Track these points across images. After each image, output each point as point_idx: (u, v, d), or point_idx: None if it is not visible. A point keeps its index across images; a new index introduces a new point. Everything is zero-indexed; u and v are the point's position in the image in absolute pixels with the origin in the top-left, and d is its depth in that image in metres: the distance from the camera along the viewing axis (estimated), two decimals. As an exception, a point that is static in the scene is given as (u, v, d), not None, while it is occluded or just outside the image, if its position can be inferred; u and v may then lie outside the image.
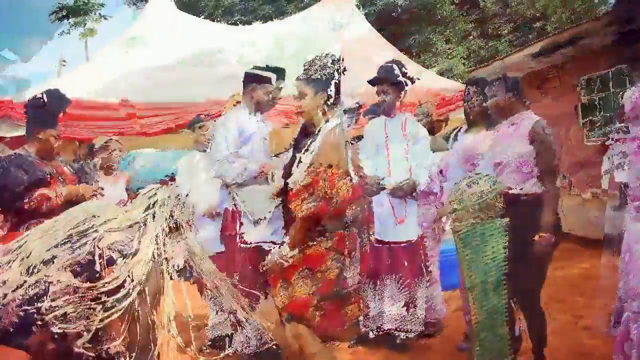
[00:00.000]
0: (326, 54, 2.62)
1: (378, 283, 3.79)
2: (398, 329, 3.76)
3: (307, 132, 2.68)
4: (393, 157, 3.80)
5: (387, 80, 3.74)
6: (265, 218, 3.41)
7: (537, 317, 2.87)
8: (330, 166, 2.44)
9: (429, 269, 4.02)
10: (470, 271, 2.56)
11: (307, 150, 2.56)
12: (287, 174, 2.64)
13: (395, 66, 3.90)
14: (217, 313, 3.89)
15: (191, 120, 4.22)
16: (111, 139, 4.57)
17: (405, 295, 3.73)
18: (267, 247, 3.34)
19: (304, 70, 2.62)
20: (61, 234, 1.94)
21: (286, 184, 2.58)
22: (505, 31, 17.11)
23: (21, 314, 1.79)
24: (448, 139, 3.96)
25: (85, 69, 7.26)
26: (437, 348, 3.88)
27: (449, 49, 16.61)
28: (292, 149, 2.75)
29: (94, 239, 1.92)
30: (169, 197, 2.13)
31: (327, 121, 2.59)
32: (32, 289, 1.80)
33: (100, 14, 22.60)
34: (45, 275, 1.81)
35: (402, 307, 3.74)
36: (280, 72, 3.64)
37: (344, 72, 2.63)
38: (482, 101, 3.48)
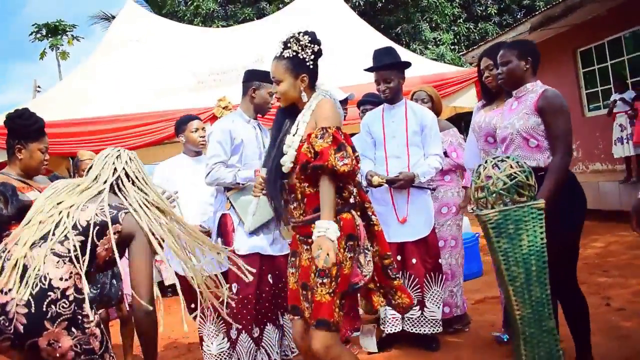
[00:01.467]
0: (304, 32, 2.36)
1: None
2: (413, 332, 3.51)
3: (290, 112, 2.45)
4: (391, 154, 3.52)
5: (391, 65, 3.46)
6: (262, 227, 3.16)
7: (578, 302, 2.60)
8: (338, 127, 2.26)
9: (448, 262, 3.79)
10: (508, 263, 2.26)
11: (297, 127, 2.35)
12: (269, 158, 2.44)
13: (393, 49, 3.68)
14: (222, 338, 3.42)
15: (178, 121, 3.82)
16: (87, 155, 4.30)
17: (417, 295, 3.45)
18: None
19: (282, 49, 2.35)
20: (38, 232, 1.90)
21: (279, 166, 2.34)
22: (493, 12, 16.94)
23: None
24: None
25: (60, 87, 6.96)
26: (468, 343, 3.65)
27: (437, 35, 16.40)
28: (273, 132, 2.52)
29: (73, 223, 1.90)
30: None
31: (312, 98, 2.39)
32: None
33: (72, 35, 22.36)
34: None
35: (415, 307, 3.45)
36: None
37: (321, 54, 2.40)
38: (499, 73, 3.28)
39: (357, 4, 15.23)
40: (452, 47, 16.49)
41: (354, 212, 2.32)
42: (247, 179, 3.15)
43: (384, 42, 7.77)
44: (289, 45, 2.33)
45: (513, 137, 2.74)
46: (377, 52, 3.57)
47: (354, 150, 2.25)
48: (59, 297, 1.77)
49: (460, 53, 13.93)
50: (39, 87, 19.07)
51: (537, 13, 9.41)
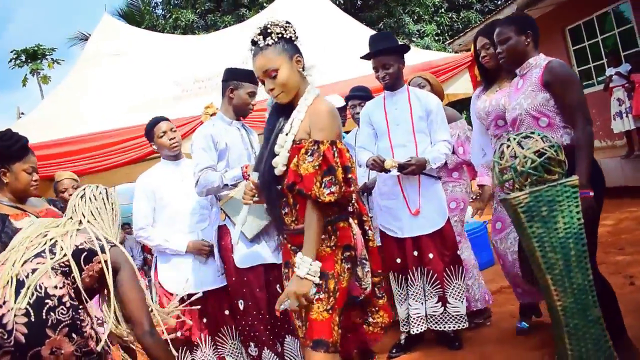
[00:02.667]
0: (277, 21, 2.12)
1: (409, 279, 3.27)
2: (435, 330, 3.28)
3: (284, 110, 2.20)
4: (397, 142, 3.28)
5: (388, 49, 3.22)
6: (262, 234, 2.95)
7: (600, 285, 2.37)
8: (334, 142, 2.00)
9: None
10: (544, 249, 2.02)
11: (290, 125, 2.11)
12: (261, 161, 2.20)
13: (390, 33, 3.47)
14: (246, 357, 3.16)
15: (145, 128, 3.41)
16: (64, 175, 4.06)
17: (438, 291, 3.22)
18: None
19: (263, 38, 2.08)
20: (29, 252, 1.91)
21: (272, 168, 2.09)
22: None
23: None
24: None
25: (40, 109, 6.67)
26: (491, 337, 3.43)
27: (421, 27, 16.25)
28: (266, 132, 2.25)
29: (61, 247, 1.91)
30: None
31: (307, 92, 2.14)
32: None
33: (52, 58, 22.03)
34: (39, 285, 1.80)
35: (436, 303, 3.23)
36: (255, 76, 3.10)
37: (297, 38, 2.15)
38: (496, 50, 3.08)
39: (337, 2, 15.05)
40: (437, 37, 16.36)
41: (351, 221, 2.13)
42: (235, 179, 2.93)
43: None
44: (269, 31, 2.08)
45: (522, 117, 2.56)
46: (373, 38, 3.35)
47: (346, 171, 2.00)
48: (57, 304, 1.78)
49: (447, 42, 13.76)
50: (22, 113, 18.68)
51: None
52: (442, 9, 17.16)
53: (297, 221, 2.10)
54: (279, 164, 2.07)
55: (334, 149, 1.98)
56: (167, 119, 3.39)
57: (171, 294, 3.05)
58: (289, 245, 2.19)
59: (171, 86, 6.51)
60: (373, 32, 7.95)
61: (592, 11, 9.01)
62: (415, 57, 6.71)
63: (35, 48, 21.59)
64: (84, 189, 2.18)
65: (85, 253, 1.91)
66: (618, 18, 8.80)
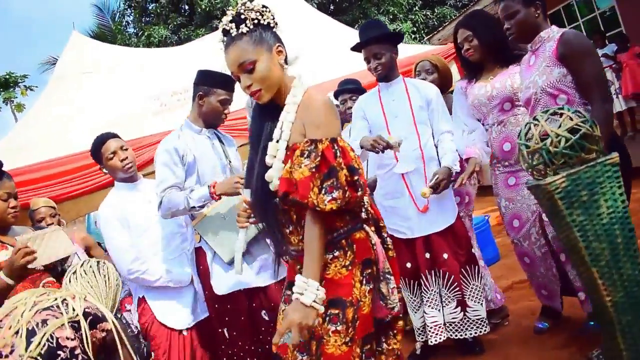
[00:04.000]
0: (251, 6, 1.76)
1: (422, 284, 3.00)
2: (456, 338, 3.00)
3: (268, 112, 1.84)
4: (397, 135, 2.99)
5: (379, 38, 2.97)
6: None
7: None
8: (334, 140, 1.66)
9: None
10: (587, 239, 1.77)
11: (281, 130, 1.75)
12: (251, 176, 1.84)
13: (380, 21, 3.23)
14: None
15: (90, 149, 2.97)
16: (40, 202, 3.74)
17: (456, 294, 2.95)
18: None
19: (236, 25, 1.73)
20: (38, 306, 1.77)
21: (265, 183, 1.76)
22: (448, -5, 16.85)
23: None
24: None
25: (11, 136, 6.34)
26: (513, 338, 3.19)
27: (396, 26, 16.14)
28: (252, 141, 1.90)
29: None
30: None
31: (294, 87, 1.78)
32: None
33: (25, 85, 21.55)
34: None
35: (455, 308, 2.96)
36: (230, 82, 2.71)
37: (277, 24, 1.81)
38: (480, 41, 2.92)
39: (312, 4, 14.89)
40: (413, 35, 16.28)
41: (367, 229, 1.78)
42: (202, 199, 2.55)
43: (352, 34, 7.38)
44: (242, 17, 1.72)
45: (538, 96, 2.34)
46: (362, 27, 3.09)
47: (352, 173, 1.66)
48: (69, 356, 1.68)
49: (425, 39, 13.65)
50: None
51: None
52: (416, 7, 17.10)
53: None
54: (273, 178, 1.72)
55: (335, 148, 1.64)
56: (115, 136, 2.95)
57: (171, 329, 2.76)
58: (297, 267, 1.83)
59: (149, 101, 6.23)
60: (354, 30, 7.82)
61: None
62: (400, 53, 6.51)
63: (7, 76, 21.08)
64: (75, 267, 2.08)
65: (91, 317, 1.80)
66: (602, 3, 8.72)
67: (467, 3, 16.15)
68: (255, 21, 1.73)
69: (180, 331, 2.78)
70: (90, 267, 2.07)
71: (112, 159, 2.85)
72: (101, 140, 2.90)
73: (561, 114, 1.82)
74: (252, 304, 2.61)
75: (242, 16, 1.72)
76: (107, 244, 2.83)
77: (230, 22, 1.73)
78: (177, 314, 2.79)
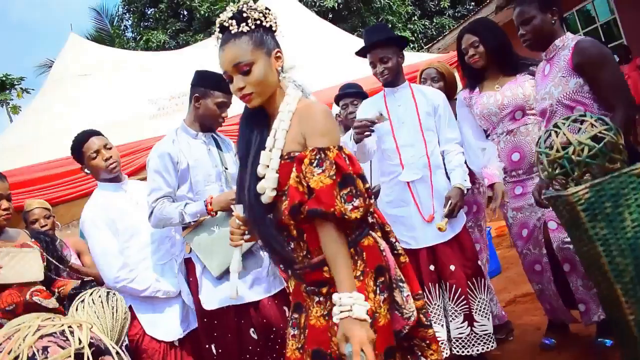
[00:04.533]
0: (254, 5, 1.65)
1: (426, 297, 2.88)
2: (464, 355, 2.87)
3: (258, 120, 1.74)
4: (404, 142, 2.92)
5: (385, 41, 2.88)
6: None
7: None
8: (340, 147, 1.56)
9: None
10: (610, 253, 1.68)
11: (274, 138, 1.63)
12: (243, 189, 1.70)
13: (385, 25, 3.16)
14: None
15: (71, 146, 2.79)
16: (35, 204, 3.62)
17: (464, 308, 2.84)
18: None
19: (237, 23, 1.61)
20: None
21: (257, 195, 1.65)
22: (447, 5, 16.84)
23: None
24: None
25: (5, 137, 6.23)
26: (520, 354, 3.10)
27: (395, 36, 16.15)
28: (240, 151, 1.77)
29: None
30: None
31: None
32: None
33: (22, 88, 21.40)
34: None
35: (462, 322, 2.84)
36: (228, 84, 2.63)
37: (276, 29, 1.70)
38: (485, 47, 2.86)
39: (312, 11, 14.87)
40: (412, 45, 16.28)
41: (374, 235, 1.66)
42: (197, 215, 2.44)
43: (352, 40, 7.33)
44: (244, 15, 1.62)
45: (554, 108, 2.27)
46: (368, 31, 3.01)
47: (364, 181, 1.57)
48: None
49: (424, 48, 13.65)
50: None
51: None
52: (415, 17, 17.11)
53: (311, 254, 1.64)
54: (266, 189, 1.62)
55: (344, 155, 1.55)
56: (98, 133, 2.77)
57: (160, 342, 2.63)
58: (303, 286, 1.70)
59: (146, 105, 6.12)
60: (355, 37, 7.77)
61: (572, 5, 8.90)
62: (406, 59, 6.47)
63: (3, 78, 20.91)
64: (85, 294, 2.01)
65: (94, 348, 1.75)
66: (600, 11, 8.70)
67: (465, 14, 16.21)
68: (258, 22, 1.63)
69: (172, 343, 2.65)
70: (99, 296, 1.99)
71: (95, 159, 2.68)
72: (82, 138, 2.72)
73: (582, 121, 1.74)
74: (240, 321, 2.46)
75: (244, 14, 1.62)
76: (92, 249, 2.66)
77: (231, 18, 1.62)
78: (166, 325, 2.65)
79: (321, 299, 1.63)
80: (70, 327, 1.72)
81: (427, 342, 1.73)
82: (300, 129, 1.61)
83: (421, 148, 2.91)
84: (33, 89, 21.76)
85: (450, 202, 2.79)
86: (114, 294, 2.03)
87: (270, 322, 2.46)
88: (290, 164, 1.58)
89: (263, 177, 1.63)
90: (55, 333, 1.65)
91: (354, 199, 1.49)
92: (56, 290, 2.82)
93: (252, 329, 2.46)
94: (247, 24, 1.61)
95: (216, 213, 2.44)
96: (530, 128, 2.81)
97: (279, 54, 1.67)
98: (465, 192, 2.89)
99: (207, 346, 2.49)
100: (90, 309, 1.93)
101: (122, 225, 2.66)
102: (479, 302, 2.86)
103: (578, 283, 2.69)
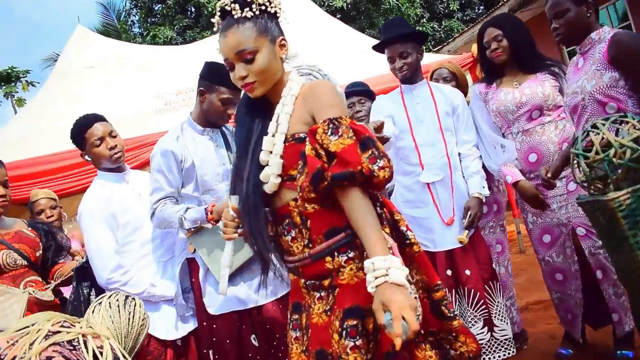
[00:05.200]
0: None
1: None
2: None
3: (259, 108, 1.65)
4: (423, 141, 2.80)
5: (406, 36, 2.77)
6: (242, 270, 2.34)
7: None
8: (352, 119, 1.47)
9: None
10: (651, 261, 1.59)
11: (276, 123, 1.56)
12: (241, 179, 1.60)
13: (404, 20, 3.05)
14: None
15: (71, 131, 2.59)
16: (41, 194, 3.53)
17: (484, 314, 2.72)
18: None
19: (240, 8, 1.52)
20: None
21: (258, 185, 1.55)
22: (456, 8, 16.74)
23: None
24: None
25: (10, 128, 6.14)
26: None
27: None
28: (239, 139, 1.67)
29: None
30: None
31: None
32: None
33: (27, 80, 21.33)
34: None
35: (482, 328, 2.72)
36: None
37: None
38: (509, 42, 2.76)
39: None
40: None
41: (383, 232, 1.51)
42: (197, 221, 2.31)
43: (365, 39, 7.23)
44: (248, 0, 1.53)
45: (585, 103, 2.15)
46: (387, 25, 2.92)
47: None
48: None
49: (434, 50, 13.56)
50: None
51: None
52: (424, 19, 17.01)
53: (313, 243, 1.51)
54: (269, 176, 1.52)
55: (358, 124, 1.46)
56: (102, 119, 2.58)
57: (161, 340, 2.49)
58: (302, 281, 1.59)
59: (152, 99, 6.04)
60: (366, 36, 7.66)
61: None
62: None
63: (9, 70, 20.81)
64: (103, 297, 1.90)
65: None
66: (613, 18, 8.58)
67: (475, 17, 16.12)
68: (263, 7, 1.55)
69: (174, 342, 2.52)
70: (117, 300, 1.87)
71: (99, 146, 2.51)
72: (86, 123, 2.53)
73: (622, 122, 1.63)
74: (242, 327, 2.34)
75: None
76: (87, 245, 2.49)
77: (234, 2, 1.53)
78: (167, 322, 2.51)
79: (322, 293, 1.53)
80: (84, 336, 1.59)
81: (454, 334, 1.59)
82: (307, 108, 1.52)
83: (441, 148, 2.80)
84: (38, 82, 21.70)
85: (470, 213, 2.70)
86: (132, 298, 1.90)
87: (273, 327, 2.35)
88: (295, 145, 1.50)
89: (266, 165, 1.54)
90: (61, 343, 1.52)
91: (378, 160, 1.38)
92: (53, 279, 2.72)
93: (253, 335, 2.35)
94: (251, 9, 1.52)
95: (217, 222, 2.30)
96: (547, 127, 2.72)
97: (283, 42, 1.60)
98: (484, 199, 2.79)
99: (205, 351, 2.39)
100: (106, 313, 1.82)
101: (124, 219, 2.51)
102: (497, 306, 2.77)
103: (610, 291, 2.59)
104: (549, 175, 2.45)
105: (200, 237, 2.38)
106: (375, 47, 2.94)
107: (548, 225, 2.77)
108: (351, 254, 1.48)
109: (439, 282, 1.64)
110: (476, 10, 17.70)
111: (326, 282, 1.51)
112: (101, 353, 1.56)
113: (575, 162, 1.73)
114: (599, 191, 1.66)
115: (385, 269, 1.31)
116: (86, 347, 1.53)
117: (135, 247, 2.53)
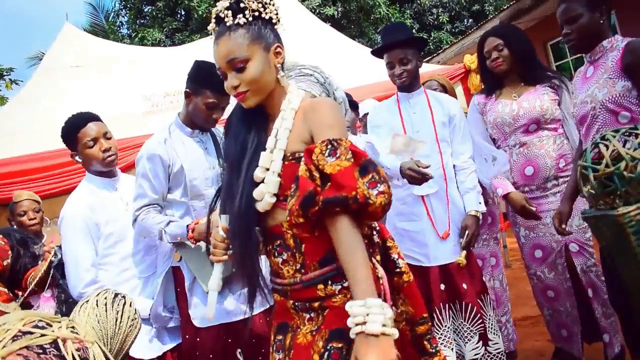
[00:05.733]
0: None
1: (435, 319, 2.67)
2: None
3: (254, 120, 1.56)
4: (418, 153, 2.70)
5: (407, 41, 2.71)
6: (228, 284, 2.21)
7: None
8: (351, 141, 1.38)
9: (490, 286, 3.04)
10: (661, 280, 1.52)
11: (275, 138, 1.47)
12: (233, 197, 1.50)
13: (405, 25, 3.00)
14: None
15: (62, 130, 2.44)
16: (24, 195, 3.40)
17: (479, 328, 2.63)
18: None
19: (232, 14, 1.46)
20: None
21: (250, 204, 1.46)
22: (445, 20, 16.82)
23: None
24: None
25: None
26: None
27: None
28: (232, 154, 1.58)
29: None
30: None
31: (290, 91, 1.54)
32: None
33: (10, 79, 21.03)
34: None
35: (477, 343, 2.64)
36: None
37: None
38: (510, 51, 2.72)
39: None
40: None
41: (374, 260, 1.46)
42: (177, 238, 2.19)
43: (359, 47, 7.20)
44: (242, 5, 1.45)
45: (596, 112, 2.10)
46: (387, 29, 2.86)
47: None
48: None
49: (424, 60, 13.62)
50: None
51: (505, 7, 9.07)
52: (414, 30, 17.08)
53: (305, 269, 1.43)
54: (264, 194, 1.43)
55: (358, 148, 1.38)
56: (97, 118, 2.43)
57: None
58: (290, 302, 1.50)
59: (140, 101, 5.94)
60: (360, 45, 7.63)
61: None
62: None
63: (-6, 68, 20.58)
64: (92, 294, 1.76)
65: None
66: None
67: (463, 30, 16.20)
68: (256, 13, 1.47)
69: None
70: (105, 298, 1.72)
71: (92, 148, 2.36)
72: (79, 122, 2.38)
73: (631, 134, 1.57)
74: (227, 340, 2.23)
75: (242, 4, 1.45)
76: (65, 253, 2.34)
77: (227, 9, 1.45)
78: (141, 340, 2.28)
79: (312, 314, 1.44)
80: (63, 340, 1.40)
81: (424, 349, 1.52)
82: (306, 125, 1.44)
83: (437, 160, 2.73)
84: (22, 81, 21.38)
85: (467, 232, 2.63)
86: (122, 297, 1.76)
87: (259, 341, 2.23)
88: (294, 165, 1.40)
89: (261, 182, 1.45)
90: (31, 347, 1.34)
91: (378, 185, 1.28)
92: (27, 285, 2.56)
93: (239, 350, 2.24)
94: (244, 16, 1.45)
95: (196, 242, 2.19)
96: (545, 140, 2.69)
97: (278, 49, 1.51)
98: (481, 217, 2.72)
99: None
100: (92, 312, 1.67)
101: (108, 230, 2.36)
102: (489, 319, 2.69)
103: (600, 311, 2.55)
104: (563, 225, 2.38)
105: (187, 247, 2.26)
106: (374, 52, 2.88)
107: (540, 240, 2.72)
108: (345, 284, 1.37)
109: (425, 315, 1.56)
110: (465, 23, 17.82)
111: (316, 304, 1.43)
112: (81, 357, 1.42)
113: (583, 174, 1.66)
114: (607, 205, 1.60)
115: (363, 316, 1.21)
116: (58, 350, 1.35)
117: (115, 260, 2.38)
